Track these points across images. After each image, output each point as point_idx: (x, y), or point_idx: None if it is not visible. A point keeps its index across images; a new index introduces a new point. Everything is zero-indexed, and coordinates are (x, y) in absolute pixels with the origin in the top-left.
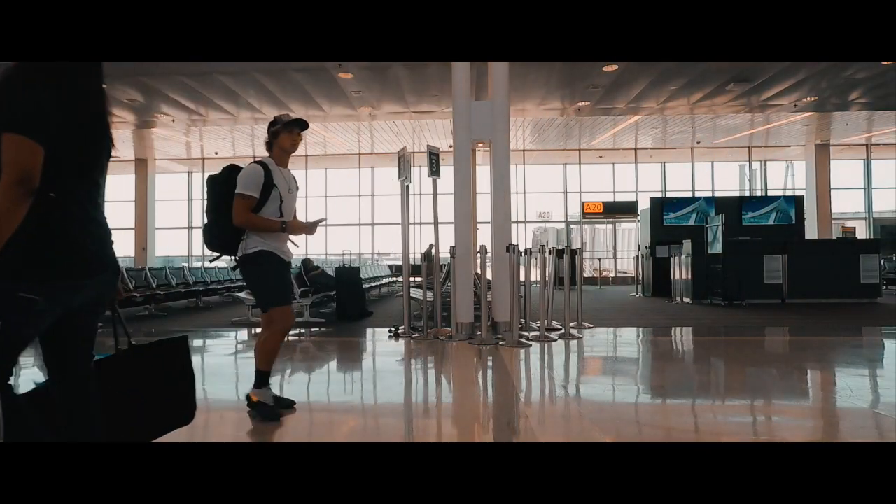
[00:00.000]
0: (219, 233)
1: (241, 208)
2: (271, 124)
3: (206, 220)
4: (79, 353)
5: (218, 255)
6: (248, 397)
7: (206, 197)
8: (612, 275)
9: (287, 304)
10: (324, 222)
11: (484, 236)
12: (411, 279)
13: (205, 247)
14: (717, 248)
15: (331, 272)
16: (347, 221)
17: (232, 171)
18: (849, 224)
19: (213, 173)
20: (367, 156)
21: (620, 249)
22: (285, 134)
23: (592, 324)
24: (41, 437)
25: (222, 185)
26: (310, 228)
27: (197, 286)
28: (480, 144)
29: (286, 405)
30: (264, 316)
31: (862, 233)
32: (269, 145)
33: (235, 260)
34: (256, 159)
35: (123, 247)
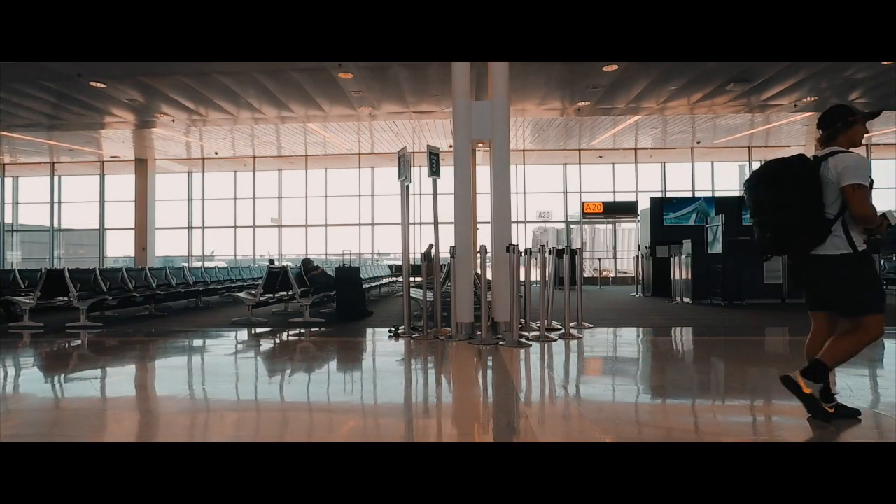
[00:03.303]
0: (806, 228)
1: (867, 199)
2: (843, 113)
3: (777, 217)
4: None
5: (770, 255)
6: (798, 385)
7: (774, 187)
8: (612, 275)
9: (884, 312)
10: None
11: (484, 236)
12: (411, 279)
13: (764, 245)
14: (717, 248)
15: (331, 272)
16: (347, 221)
17: (803, 160)
18: None
19: (794, 164)
20: (367, 156)
21: (620, 249)
22: (860, 125)
23: (592, 324)
24: None
25: (808, 179)
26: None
27: (197, 286)
28: (480, 144)
29: (851, 413)
30: (853, 321)
31: None
32: (834, 133)
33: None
34: (841, 150)
35: (123, 247)
